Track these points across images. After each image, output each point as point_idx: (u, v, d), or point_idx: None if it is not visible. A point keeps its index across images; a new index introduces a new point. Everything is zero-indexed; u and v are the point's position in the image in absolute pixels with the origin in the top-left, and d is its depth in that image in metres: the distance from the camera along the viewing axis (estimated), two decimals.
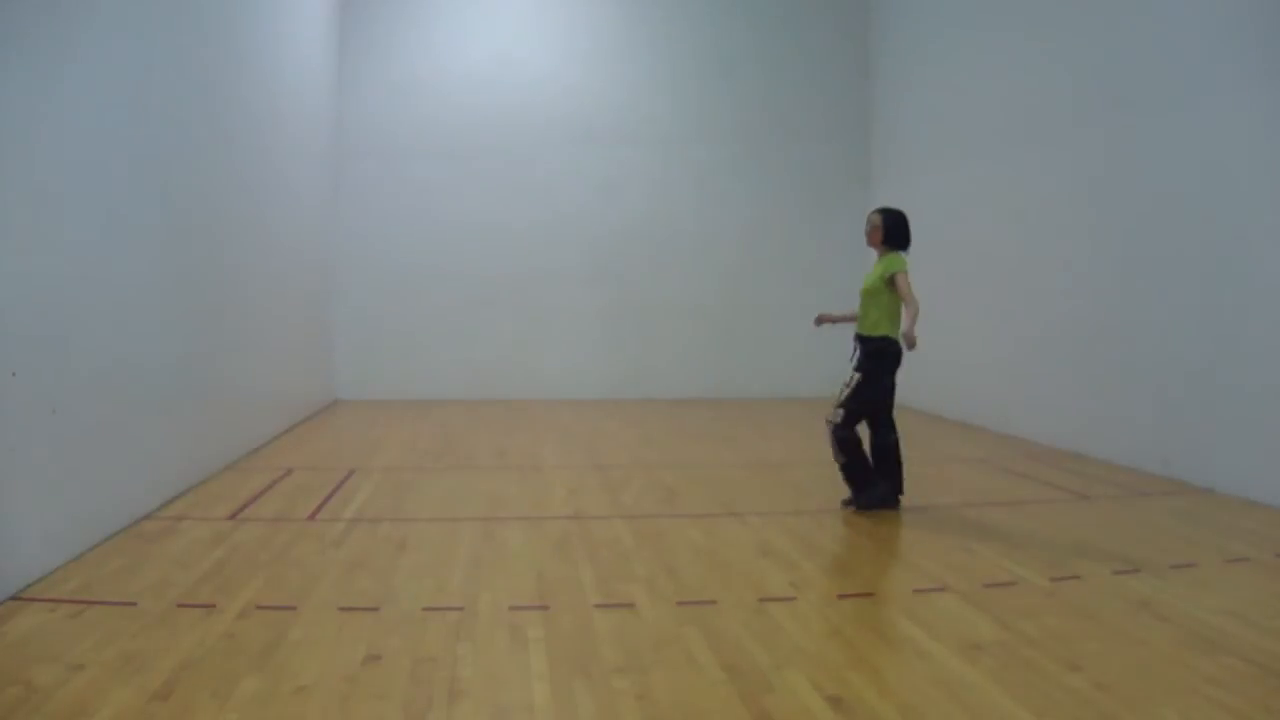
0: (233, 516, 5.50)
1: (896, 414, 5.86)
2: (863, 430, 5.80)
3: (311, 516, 5.57)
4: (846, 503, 5.84)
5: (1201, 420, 6.37)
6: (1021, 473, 6.96)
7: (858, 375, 5.70)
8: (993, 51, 9.16)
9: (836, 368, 11.69)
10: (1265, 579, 4.46)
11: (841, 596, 4.20)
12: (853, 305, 6.08)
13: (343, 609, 3.92)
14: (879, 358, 5.68)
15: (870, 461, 5.76)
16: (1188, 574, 4.44)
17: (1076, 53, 7.80)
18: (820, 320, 6.30)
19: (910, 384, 10.61)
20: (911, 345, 5.41)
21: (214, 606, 3.89)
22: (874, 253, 5.85)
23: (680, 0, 12.08)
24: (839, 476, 6.73)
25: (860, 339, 5.78)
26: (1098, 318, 7.49)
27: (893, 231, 5.78)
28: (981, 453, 7.83)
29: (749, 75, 12.09)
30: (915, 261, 5.79)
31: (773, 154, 12.13)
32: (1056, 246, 8.09)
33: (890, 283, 5.58)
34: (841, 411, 5.67)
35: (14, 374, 4.01)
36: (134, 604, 3.90)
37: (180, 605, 3.90)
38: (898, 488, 5.80)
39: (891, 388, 5.79)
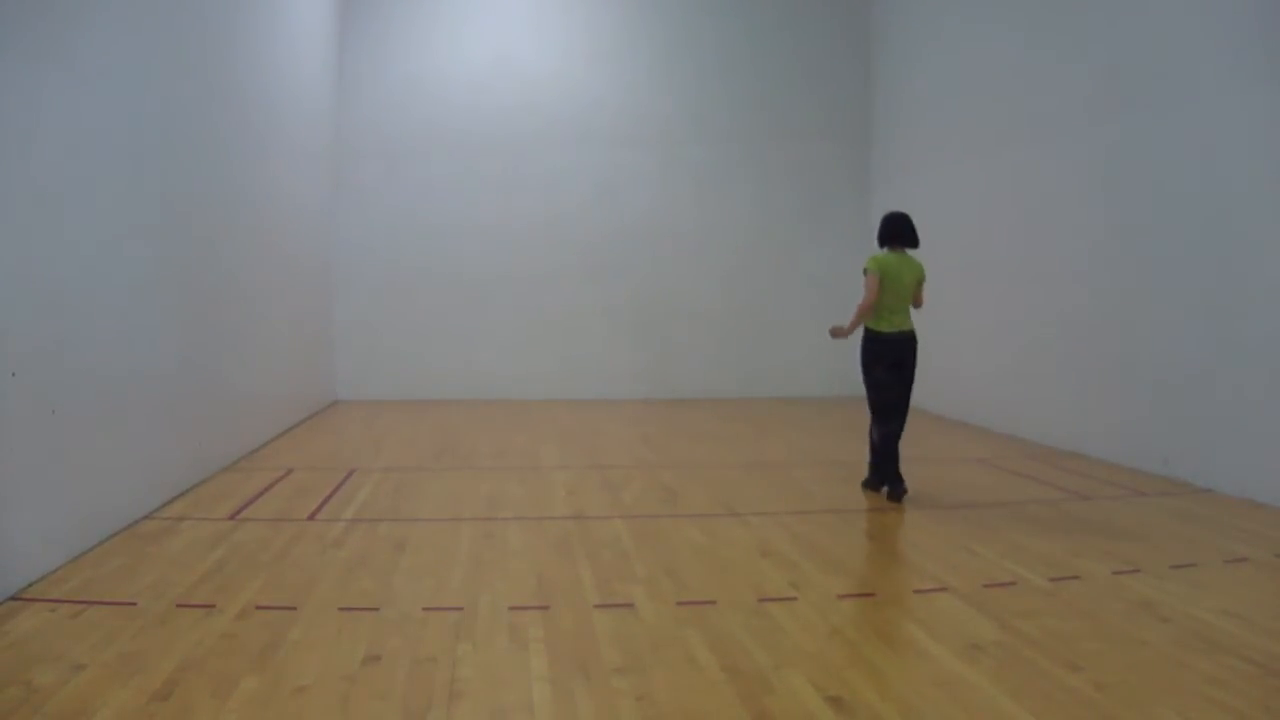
0: (233, 517, 5.50)
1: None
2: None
3: (311, 517, 5.57)
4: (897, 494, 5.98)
5: (1201, 420, 6.36)
6: (1021, 473, 6.96)
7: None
8: (992, 51, 9.16)
9: (836, 368, 11.78)
10: (1265, 579, 4.45)
11: (841, 597, 4.19)
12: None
13: (343, 609, 3.92)
14: None
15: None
16: (1188, 574, 4.44)
17: (1076, 53, 7.80)
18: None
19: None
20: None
21: (214, 607, 3.89)
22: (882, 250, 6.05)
23: (680, 2, 12.08)
24: (837, 476, 6.74)
25: (913, 337, 5.98)
26: (1098, 318, 7.49)
27: (879, 232, 6.10)
28: (981, 453, 7.83)
29: (748, 75, 12.09)
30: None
31: (772, 154, 12.13)
32: (1056, 246, 8.09)
33: (919, 284, 5.97)
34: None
35: (14, 374, 4.01)
36: (134, 604, 3.90)
37: (180, 605, 3.90)
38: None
39: None
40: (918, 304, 6.02)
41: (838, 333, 6.03)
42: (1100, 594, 4.14)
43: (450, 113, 11.71)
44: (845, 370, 12.18)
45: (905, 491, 5.93)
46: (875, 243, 6.11)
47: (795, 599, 4.10)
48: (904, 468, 5.99)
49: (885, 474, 6.02)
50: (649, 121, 11.98)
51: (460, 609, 3.94)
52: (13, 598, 3.91)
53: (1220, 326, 6.21)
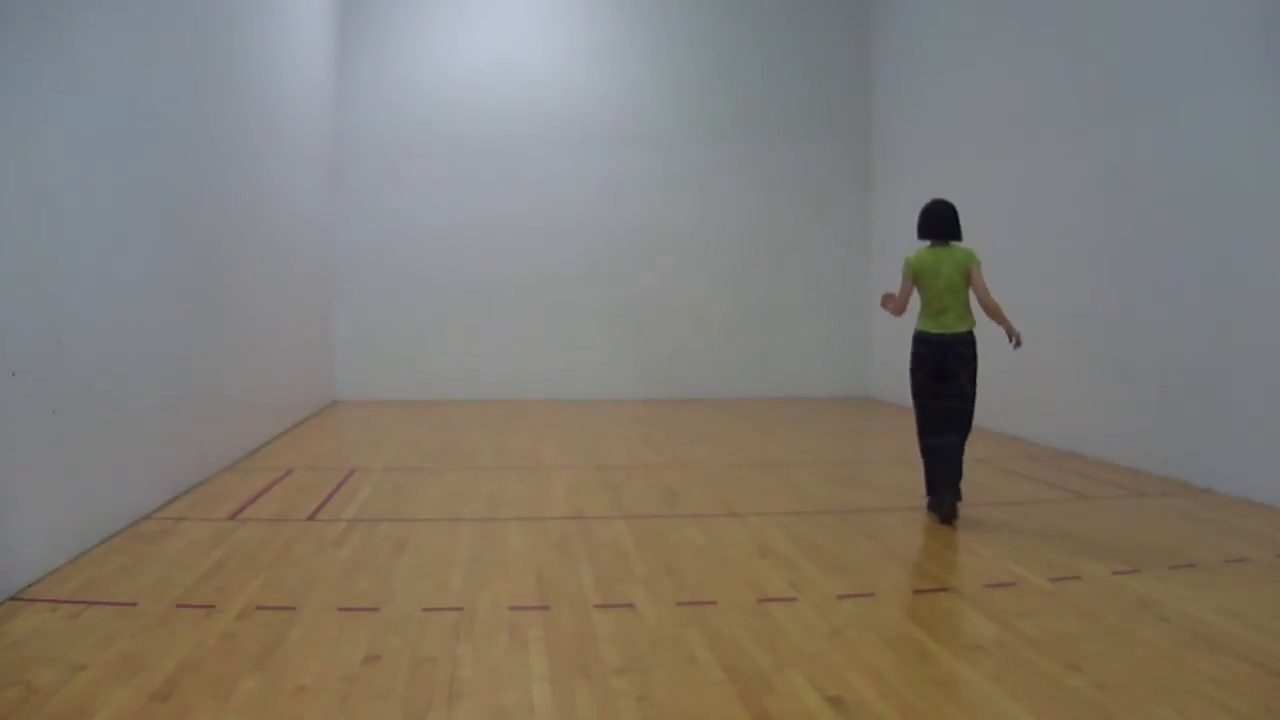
0: (233, 517, 5.50)
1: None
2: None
3: (311, 517, 5.57)
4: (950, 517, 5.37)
5: (1201, 420, 6.36)
6: (1021, 473, 6.96)
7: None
8: (993, 52, 9.15)
9: (837, 369, 11.74)
10: (1265, 579, 4.45)
11: (841, 597, 4.19)
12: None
13: (343, 609, 3.92)
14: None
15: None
16: (1188, 574, 4.44)
17: (1077, 53, 7.80)
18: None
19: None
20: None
21: (214, 607, 3.89)
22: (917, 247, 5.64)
23: (681, 1, 12.09)
24: (838, 476, 6.72)
25: (963, 340, 5.53)
26: (1098, 318, 7.49)
27: (917, 225, 5.58)
28: (981, 453, 7.81)
29: (750, 75, 12.10)
30: None
31: (774, 154, 12.13)
32: (1056, 247, 8.09)
33: (967, 276, 5.42)
34: None
35: (14, 374, 4.01)
36: (134, 604, 3.90)
37: (180, 605, 3.90)
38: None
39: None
40: (980, 297, 5.39)
41: (885, 300, 5.54)
42: (1100, 594, 4.14)
43: (450, 113, 11.71)
44: (846, 371, 12.23)
45: (949, 514, 5.30)
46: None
47: (795, 599, 4.10)
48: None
49: (930, 486, 5.51)
50: (650, 122, 11.99)
51: (460, 609, 3.93)
52: (13, 598, 3.90)
53: (1220, 327, 6.21)
